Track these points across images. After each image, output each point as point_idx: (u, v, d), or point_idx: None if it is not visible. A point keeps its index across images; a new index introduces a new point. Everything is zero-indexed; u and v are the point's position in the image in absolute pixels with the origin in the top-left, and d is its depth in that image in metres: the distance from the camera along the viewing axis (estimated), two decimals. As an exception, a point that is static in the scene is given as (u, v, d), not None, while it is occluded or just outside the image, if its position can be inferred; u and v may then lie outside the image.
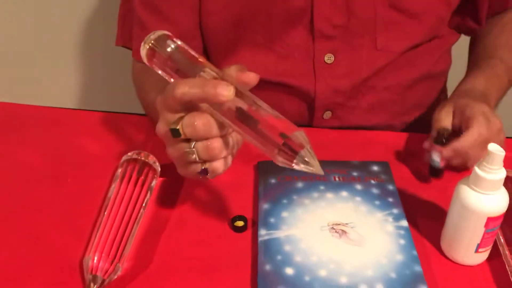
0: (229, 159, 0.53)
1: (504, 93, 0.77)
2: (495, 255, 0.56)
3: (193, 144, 0.51)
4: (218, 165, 0.52)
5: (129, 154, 0.64)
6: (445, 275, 0.55)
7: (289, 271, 0.53)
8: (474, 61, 0.79)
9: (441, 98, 0.86)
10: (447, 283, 0.54)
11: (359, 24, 0.71)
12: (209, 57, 0.77)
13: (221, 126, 0.50)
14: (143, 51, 0.54)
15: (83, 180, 0.66)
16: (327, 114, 0.77)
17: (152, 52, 0.54)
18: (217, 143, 0.50)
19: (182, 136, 0.50)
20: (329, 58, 0.73)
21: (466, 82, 0.74)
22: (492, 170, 0.50)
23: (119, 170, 0.63)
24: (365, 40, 0.72)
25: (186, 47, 0.54)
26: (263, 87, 0.75)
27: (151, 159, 0.64)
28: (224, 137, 0.51)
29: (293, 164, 0.48)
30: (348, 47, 0.72)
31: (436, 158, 0.61)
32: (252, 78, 0.52)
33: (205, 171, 0.52)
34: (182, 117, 0.50)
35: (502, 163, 0.50)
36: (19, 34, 1.25)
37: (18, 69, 1.31)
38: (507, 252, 0.55)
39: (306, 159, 0.48)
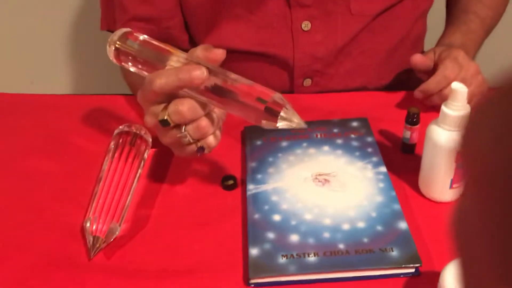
0: (218, 132, 0.57)
1: (480, 45, 0.81)
2: (469, 191, 0.60)
3: (183, 128, 0.55)
4: (211, 140, 0.56)
5: (120, 127, 0.68)
6: (424, 212, 0.58)
7: (276, 217, 0.56)
8: (450, 17, 0.84)
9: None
10: (425, 219, 0.57)
11: None
12: (191, 34, 0.80)
13: (203, 105, 0.54)
14: (110, 53, 0.58)
15: (79, 156, 0.69)
16: (307, 82, 0.80)
17: (118, 52, 0.58)
18: (204, 122, 0.55)
19: (172, 124, 0.54)
20: (306, 25, 0.76)
21: (444, 38, 0.79)
22: (457, 107, 0.53)
23: (112, 143, 0.66)
24: (339, 6, 0.76)
25: (150, 40, 0.58)
26: (245, 57, 0.79)
27: (142, 130, 0.68)
28: (208, 114, 0.55)
29: (277, 124, 0.52)
30: (324, 14, 0.76)
31: (407, 135, 0.65)
32: (219, 54, 0.56)
33: (202, 149, 0.56)
34: (166, 106, 0.54)
35: (465, 100, 0.53)
36: (9, 35, 1.28)
37: (11, 70, 1.34)
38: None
39: (287, 117, 0.52)
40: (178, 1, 0.76)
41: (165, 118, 0.54)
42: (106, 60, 0.60)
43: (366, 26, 0.78)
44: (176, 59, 0.55)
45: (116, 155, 0.64)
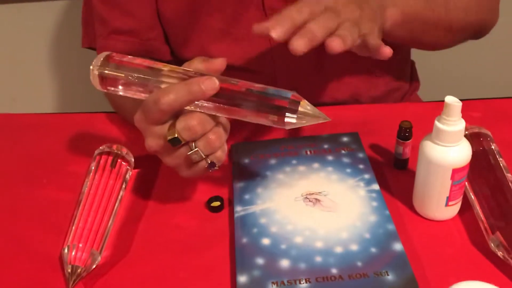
0: (225, 145, 0.55)
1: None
2: (466, 208, 0.57)
3: (193, 144, 0.52)
4: (220, 154, 0.54)
5: (101, 148, 0.65)
6: (419, 232, 0.56)
7: (265, 241, 0.53)
8: None
9: (406, 70, 0.87)
10: (421, 239, 0.55)
11: None
12: (170, 46, 0.78)
13: (212, 117, 0.52)
14: (94, 80, 0.54)
15: (58, 179, 0.66)
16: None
17: (103, 78, 0.54)
18: (214, 135, 0.52)
19: (182, 142, 0.51)
20: None
21: None
22: (451, 122, 0.51)
23: (92, 165, 0.63)
24: None
25: (135, 59, 0.54)
26: (223, 72, 0.76)
27: (124, 150, 0.65)
28: (216, 127, 0.53)
29: (302, 121, 0.50)
30: None
31: (400, 151, 0.63)
32: (220, 63, 0.53)
33: (213, 164, 0.54)
34: (173, 124, 0.51)
35: (460, 114, 0.51)
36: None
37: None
38: (476, 204, 0.56)
39: (311, 110, 0.50)
40: (156, 13, 0.74)
41: (176, 136, 0.50)
42: (87, 78, 0.57)
43: None
44: (175, 74, 0.52)
45: (97, 177, 0.61)
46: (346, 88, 0.79)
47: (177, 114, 0.51)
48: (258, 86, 0.51)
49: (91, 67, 0.54)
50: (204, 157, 0.52)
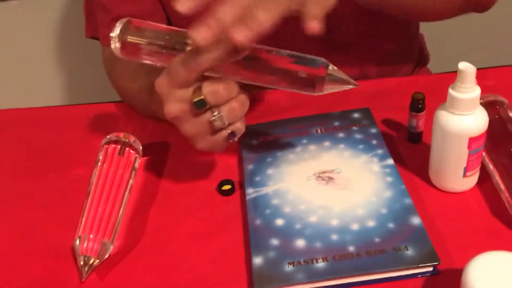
0: (244, 117, 0.53)
1: None
2: (484, 178, 0.56)
3: (216, 111, 0.50)
4: (240, 124, 0.52)
5: (108, 136, 0.64)
6: (437, 205, 0.54)
7: (279, 222, 0.52)
8: None
9: (415, 43, 0.85)
10: (439, 212, 0.53)
11: None
12: None
13: (237, 85, 0.51)
14: (116, 47, 0.52)
15: (67, 171, 0.65)
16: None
17: (124, 44, 0.52)
18: (237, 103, 0.51)
19: (207, 106, 0.50)
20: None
21: None
22: (466, 89, 0.49)
23: (100, 154, 0.62)
24: None
25: (155, 24, 0.53)
26: None
27: (131, 138, 0.64)
28: (240, 94, 0.51)
29: (334, 87, 0.50)
30: None
31: (413, 124, 0.61)
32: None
33: (233, 134, 0.52)
34: (198, 88, 0.49)
35: (474, 80, 0.49)
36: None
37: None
38: (496, 174, 0.54)
39: (340, 77, 0.50)
40: None
41: (202, 97, 0.49)
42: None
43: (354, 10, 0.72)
44: None
45: (105, 167, 0.60)
46: (355, 64, 0.77)
47: (201, 78, 0.50)
48: (286, 52, 0.50)
49: (111, 34, 0.52)
50: (225, 125, 0.51)
